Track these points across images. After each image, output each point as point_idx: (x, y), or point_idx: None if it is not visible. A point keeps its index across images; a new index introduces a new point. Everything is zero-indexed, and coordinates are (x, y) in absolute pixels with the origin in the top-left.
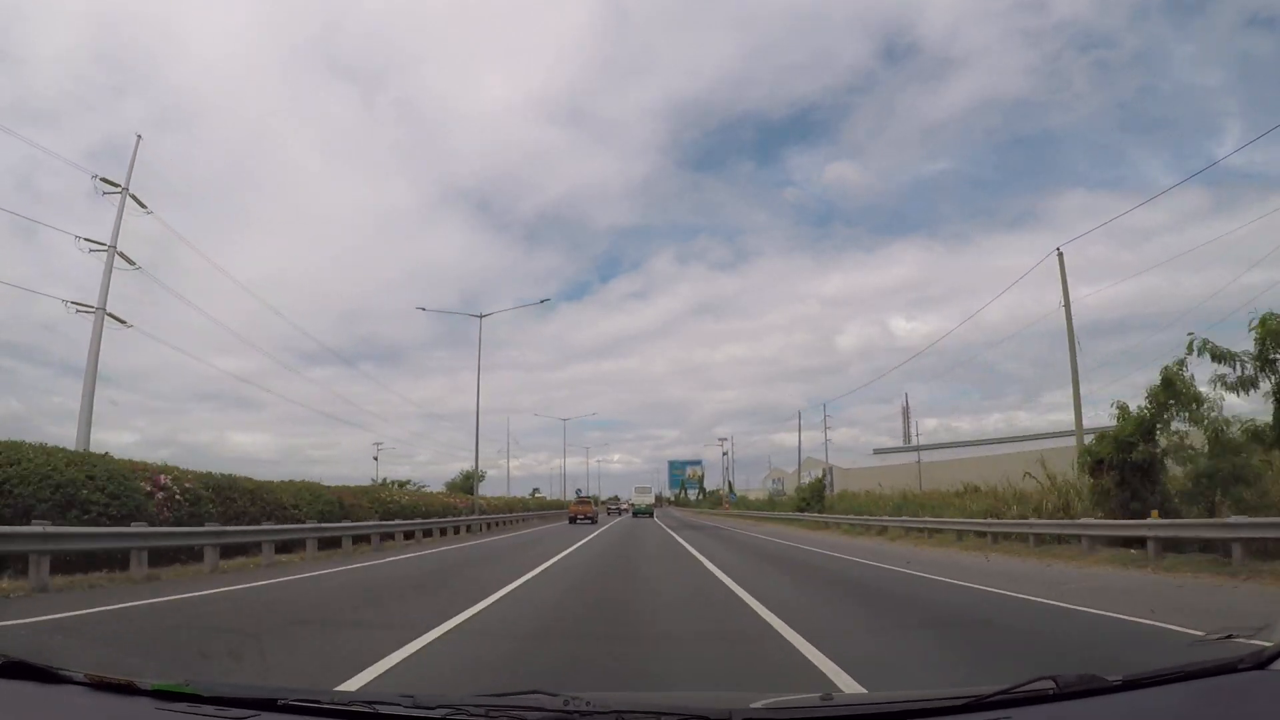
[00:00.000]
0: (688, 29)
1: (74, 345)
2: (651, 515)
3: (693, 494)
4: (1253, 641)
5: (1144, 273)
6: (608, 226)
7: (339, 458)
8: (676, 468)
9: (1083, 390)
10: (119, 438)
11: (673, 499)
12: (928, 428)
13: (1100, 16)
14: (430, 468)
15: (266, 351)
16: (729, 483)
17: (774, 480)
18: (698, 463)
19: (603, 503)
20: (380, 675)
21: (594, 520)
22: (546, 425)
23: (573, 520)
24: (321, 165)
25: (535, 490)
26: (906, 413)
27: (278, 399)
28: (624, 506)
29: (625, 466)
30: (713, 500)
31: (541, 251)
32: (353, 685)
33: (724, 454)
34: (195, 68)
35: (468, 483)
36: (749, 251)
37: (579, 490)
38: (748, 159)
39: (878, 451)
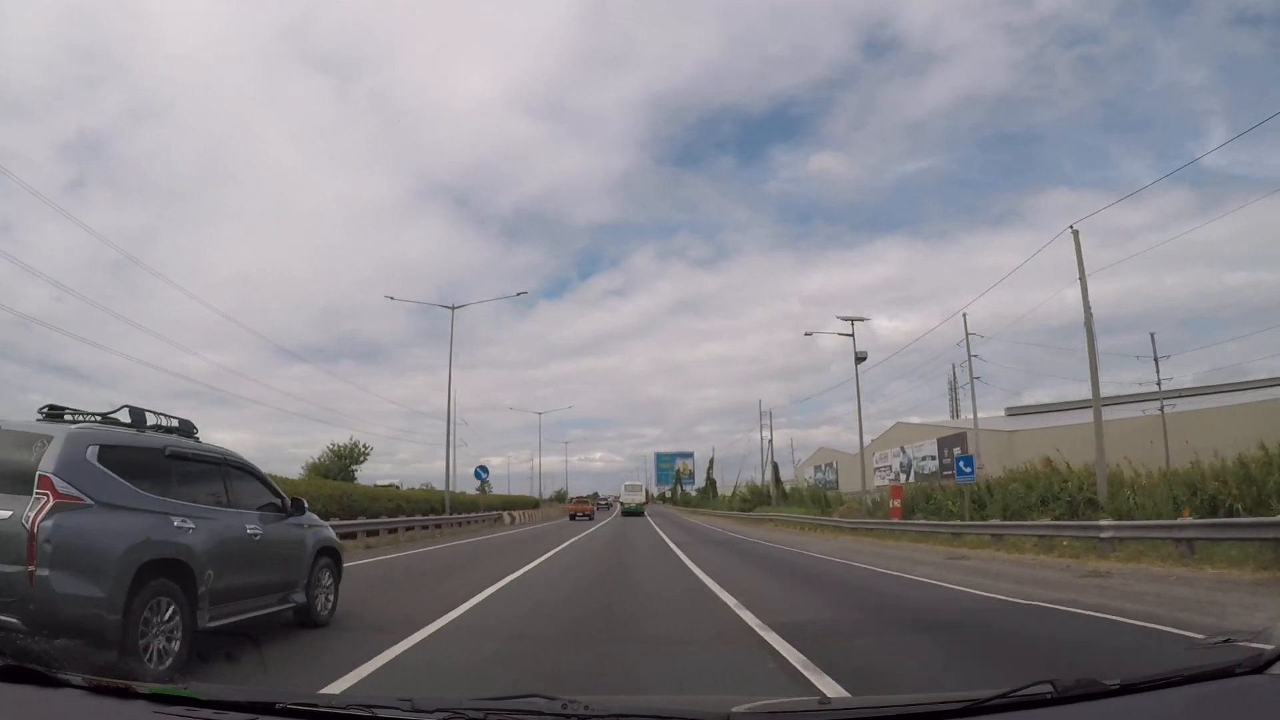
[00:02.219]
0: (667, 19)
1: (50, 342)
2: (641, 514)
3: (691, 490)
4: (1251, 645)
5: (1131, 273)
6: (587, 222)
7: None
8: (664, 461)
9: (1068, 391)
10: None
11: (666, 496)
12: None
13: (1085, 11)
14: (413, 466)
15: (216, 365)
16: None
17: (817, 468)
18: (689, 455)
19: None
20: None
21: (591, 517)
22: (530, 423)
23: (573, 517)
24: (297, 159)
25: (485, 484)
26: (954, 386)
27: (260, 396)
28: (607, 501)
29: (606, 465)
30: (746, 497)
31: (521, 248)
32: None
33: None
34: (169, 58)
35: (342, 463)
36: (729, 249)
37: (475, 479)
38: (728, 155)
39: (1013, 412)
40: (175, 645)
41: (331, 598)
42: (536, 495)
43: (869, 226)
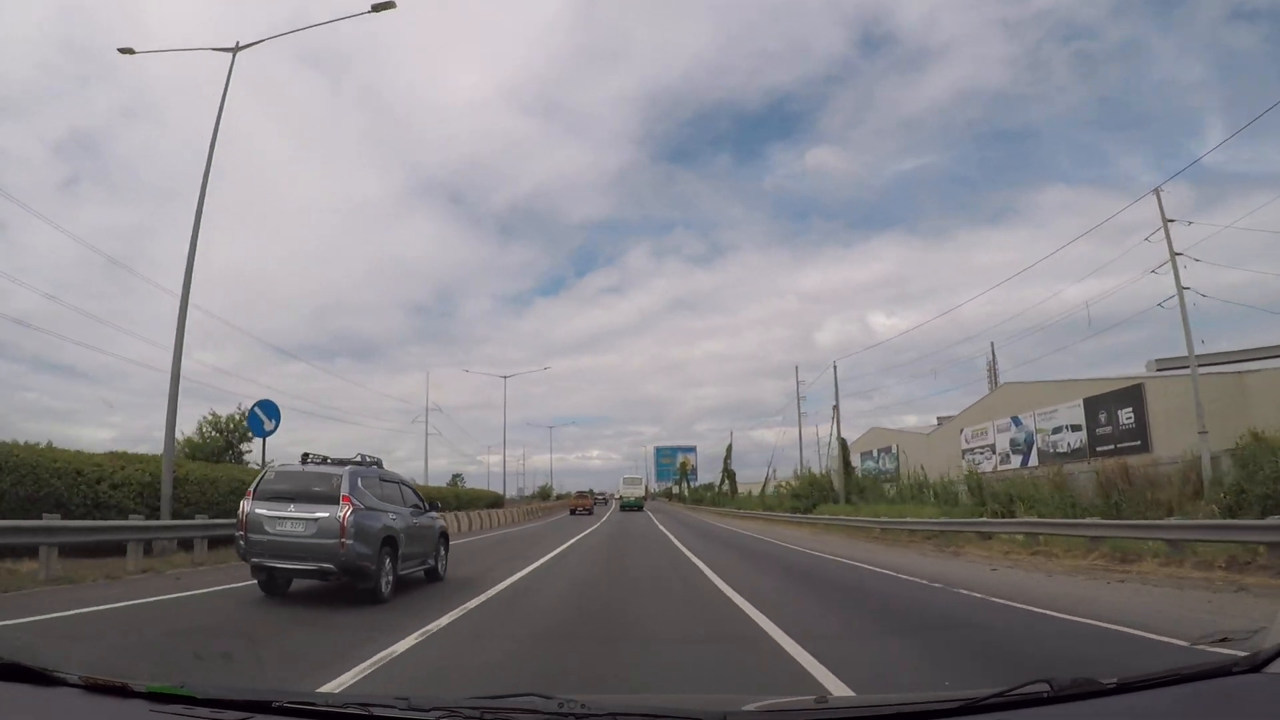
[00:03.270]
0: (660, 14)
1: (46, 341)
2: (640, 508)
3: (694, 485)
4: (1248, 644)
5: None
6: (582, 220)
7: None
8: (665, 455)
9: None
10: (97, 434)
11: (673, 492)
12: (909, 425)
13: (1081, 6)
14: (410, 464)
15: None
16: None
17: (866, 454)
18: (691, 449)
19: (583, 495)
20: None
21: (590, 512)
22: (529, 422)
23: (573, 512)
24: (290, 156)
25: (456, 477)
26: (993, 368)
27: (257, 394)
28: (604, 496)
29: (604, 463)
30: (800, 493)
31: (516, 245)
32: None
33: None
34: (162, 55)
35: (224, 439)
36: (725, 246)
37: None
38: (723, 151)
39: (1164, 362)
40: (390, 583)
41: (444, 564)
42: (503, 491)
43: (865, 224)
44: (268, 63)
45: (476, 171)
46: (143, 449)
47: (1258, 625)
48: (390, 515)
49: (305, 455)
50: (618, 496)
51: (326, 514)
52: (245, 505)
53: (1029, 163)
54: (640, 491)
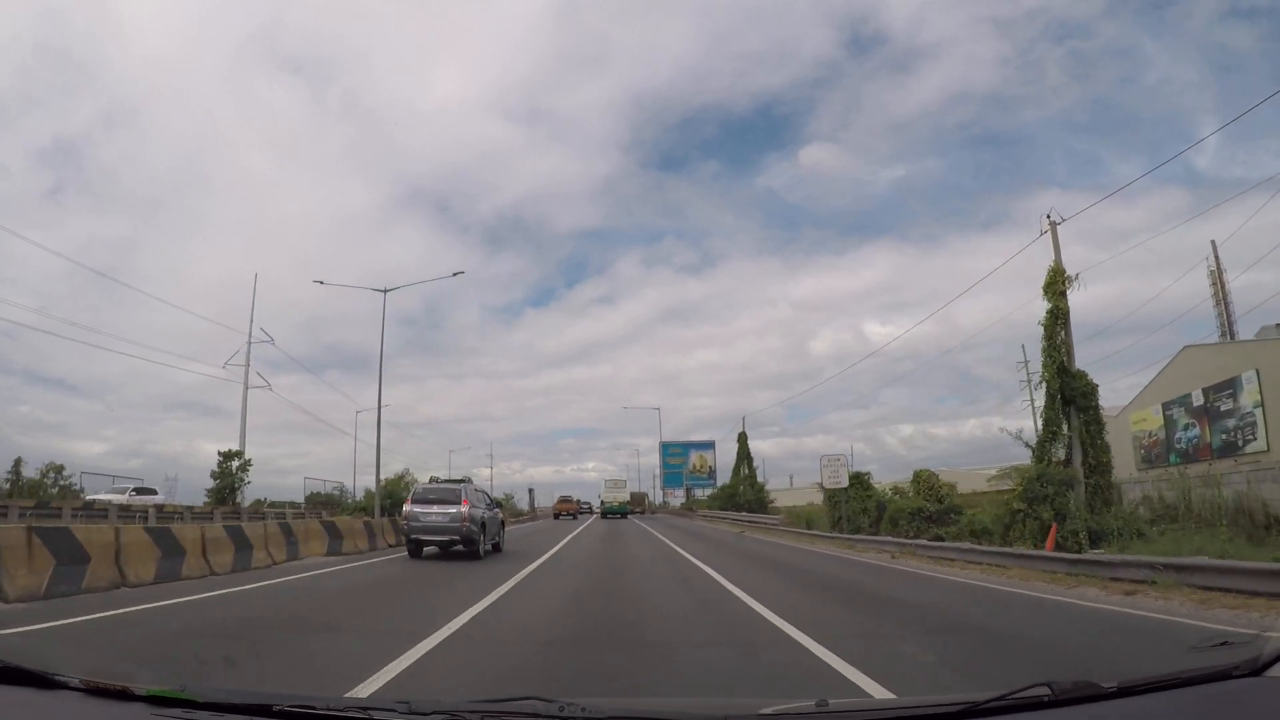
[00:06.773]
0: (642, 16)
1: (37, 353)
2: (626, 514)
3: (703, 491)
4: (1248, 647)
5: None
6: (570, 229)
7: (309, 468)
8: (674, 453)
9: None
10: (90, 448)
11: (727, 496)
12: (904, 433)
13: (1074, 4)
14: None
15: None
16: None
17: (1211, 393)
18: (708, 446)
19: (566, 500)
20: None
21: (575, 517)
22: (524, 434)
23: (557, 516)
24: (273, 166)
25: (432, 477)
26: (1220, 279)
27: (250, 407)
28: (588, 505)
29: (599, 474)
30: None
31: (504, 255)
32: None
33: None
34: (141, 62)
35: None
36: (716, 255)
37: (435, 476)
38: (711, 158)
39: None
40: (485, 549)
41: (503, 542)
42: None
43: (857, 231)
44: (249, 71)
45: (462, 180)
46: (134, 464)
47: (1257, 629)
48: (482, 510)
49: (432, 478)
50: (600, 500)
51: (455, 509)
52: (406, 506)
53: (1022, 167)
54: (625, 496)
